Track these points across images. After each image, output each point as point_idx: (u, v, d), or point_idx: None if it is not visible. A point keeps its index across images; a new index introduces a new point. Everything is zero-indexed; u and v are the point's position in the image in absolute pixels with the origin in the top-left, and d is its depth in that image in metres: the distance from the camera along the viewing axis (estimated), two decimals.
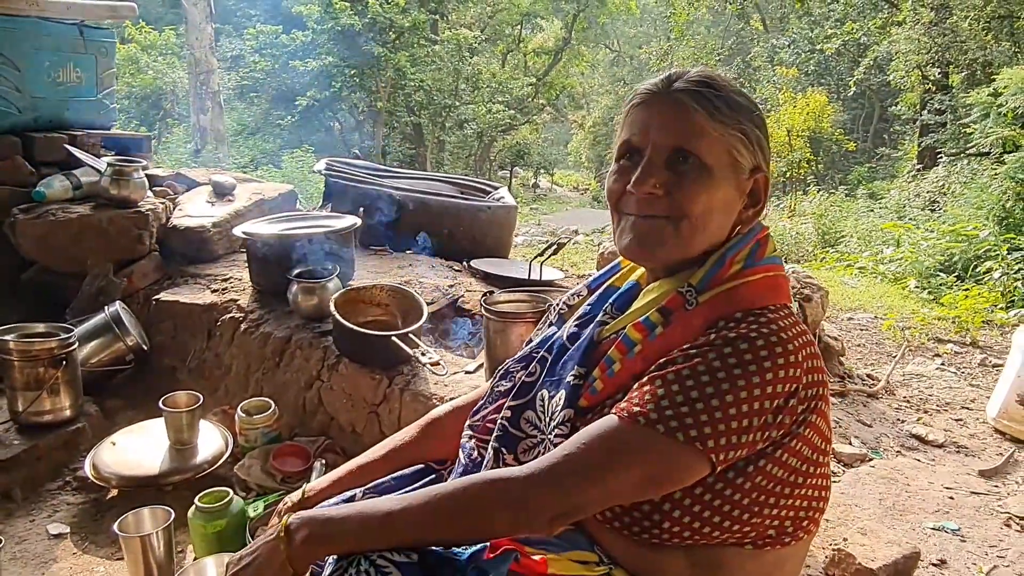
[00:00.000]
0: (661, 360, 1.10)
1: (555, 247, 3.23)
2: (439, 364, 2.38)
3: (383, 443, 1.48)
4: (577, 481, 1.03)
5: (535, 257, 3.33)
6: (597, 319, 1.27)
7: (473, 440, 1.32)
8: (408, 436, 1.46)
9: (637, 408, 1.05)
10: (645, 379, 1.09)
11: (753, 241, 1.19)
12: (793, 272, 3.41)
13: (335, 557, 1.06)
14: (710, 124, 1.13)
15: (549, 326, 1.40)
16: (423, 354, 2.41)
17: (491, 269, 3.56)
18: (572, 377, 1.21)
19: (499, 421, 1.26)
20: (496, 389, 1.34)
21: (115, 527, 2.02)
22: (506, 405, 1.27)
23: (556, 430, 1.17)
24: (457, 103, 20.75)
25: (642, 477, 1.05)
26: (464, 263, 3.78)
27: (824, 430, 1.14)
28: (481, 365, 2.49)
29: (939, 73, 13.36)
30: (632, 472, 1.04)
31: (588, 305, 1.34)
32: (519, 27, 24.40)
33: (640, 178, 1.14)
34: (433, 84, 19.64)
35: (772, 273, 1.18)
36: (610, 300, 1.30)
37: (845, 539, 2.01)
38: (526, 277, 3.36)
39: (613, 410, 1.08)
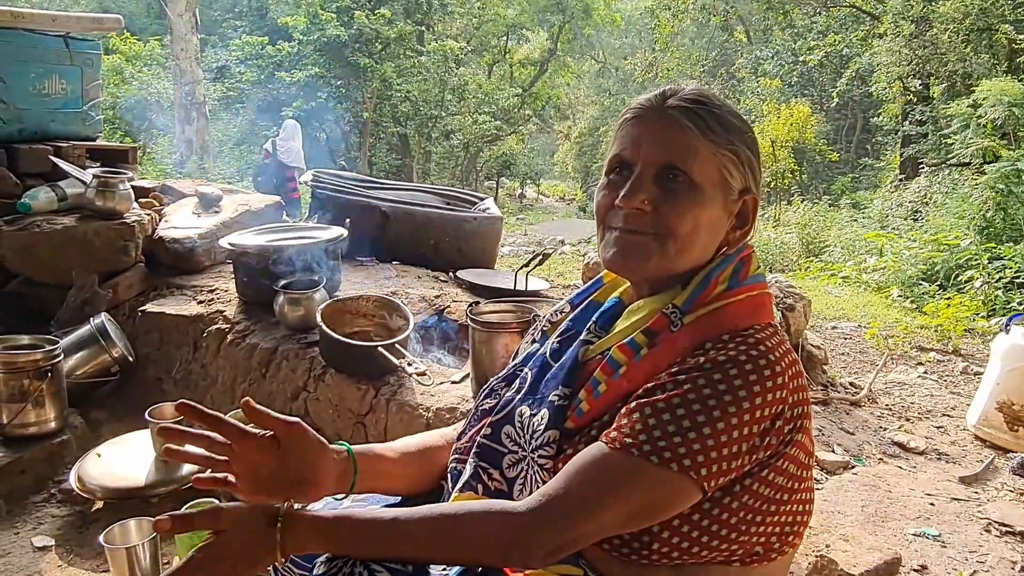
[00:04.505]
0: (649, 385, 1.09)
1: (540, 258, 3.25)
2: (425, 374, 2.40)
3: (416, 438, 1.40)
4: (573, 516, 1.02)
5: (520, 268, 3.35)
6: (581, 337, 1.26)
7: (459, 464, 1.29)
8: (436, 442, 1.40)
9: (629, 439, 1.04)
10: (634, 405, 1.08)
11: (737, 260, 1.19)
12: (776, 282, 3.44)
13: (327, 556, 1.06)
14: (702, 142, 1.13)
15: (532, 343, 1.38)
16: (409, 364, 2.42)
17: (477, 280, 3.58)
18: (556, 397, 1.19)
19: (478, 439, 1.25)
20: (480, 408, 1.32)
21: (101, 539, 2.02)
22: (488, 422, 1.26)
23: (540, 451, 1.16)
24: (443, 114, 20.81)
25: (637, 508, 1.05)
26: (450, 274, 3.79)
27: (808, 446, 1.15)
28: (467, 375, 2.50)
29: (920, 85, 13.54)
30: (627, 503, 1.04)
31: (570, 321, 1.33)
32: (505, 38, 24.55)
33: (629, 193, 1.13)
34: (419, 95, 19.70)
35: (756, 292, 1.17)
36: (593, 318, 1.29)
37: (828, 546, 2.03)
38: (511, 287, 3.37)
39: (604, 440, 1.07)
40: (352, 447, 1.26)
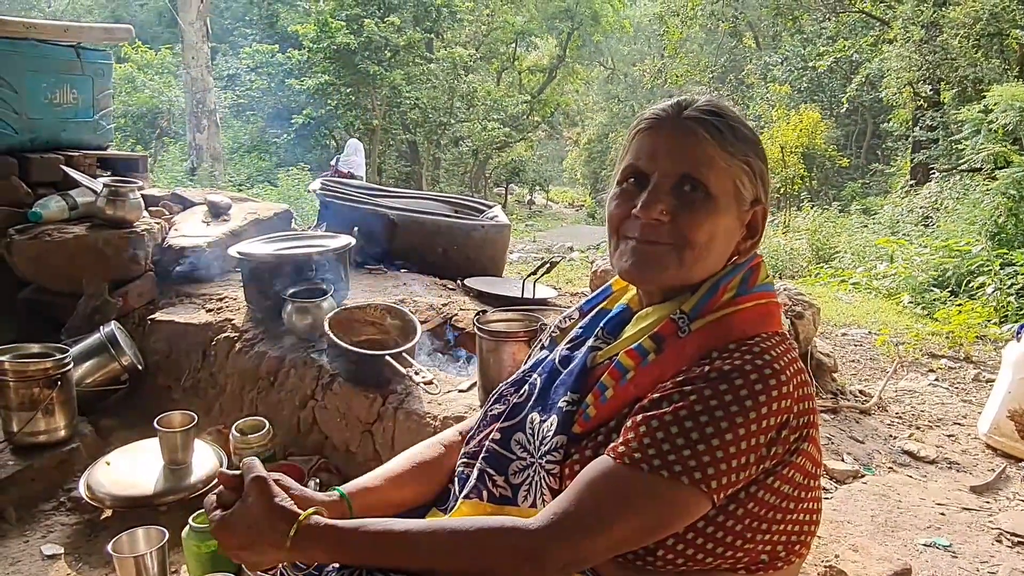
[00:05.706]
0: (655, 396, 1.09)
1: (548, 266, 3.25)
2: (433, 383, 2.40)
3: (406, 456, 1.41)
4: (585, 533, 1.03)
5: (528, 276, 3.35)
6: (589, 343, 1.27)
7: (467, 468, 1.30)
8: (430, 454, 1.41)
9: (638, 453, 1.05)
10: (640, 419, 1.08)
11: (746, 269, 1.20)
12: (784, 289, 3.43)
13: (337, 565, 1.08)
14: (719, 154, 1.14)
15: (541, 349, 1.39)
16: (417, 373, 2.42)
17: (485, 288, 3.58)
18: (564, 403, 1.20)
19: (487, 444, 1.25)
20: (489, 413, 1.33)
21: (109, 547, 2.02)
22: (497, 428, 1.26)
23: (548, 456, 1.17)
24: (452, 121, 20.90)
25: (649, 522, 1.05)
26: (458, 281, 3.80)
27: (814, 455, 1.15)
28: (474, 384, 2.50)
29: (930, 90, 13.51)
30: (639, 518, 1.04)
31: (580, 328, 1.34)
32: (514, 45, 24.63)
33: (647, 203, 1.14)
34: (428, 102, 19.79)
35: (764, 300, 1.18)
36: (601, 324, 1.29)
37: (837, 556, 2.02)
38: (519, 295, 3.37)
39: (612, 454, 1.07)
40: (343, 489, 1.29)
